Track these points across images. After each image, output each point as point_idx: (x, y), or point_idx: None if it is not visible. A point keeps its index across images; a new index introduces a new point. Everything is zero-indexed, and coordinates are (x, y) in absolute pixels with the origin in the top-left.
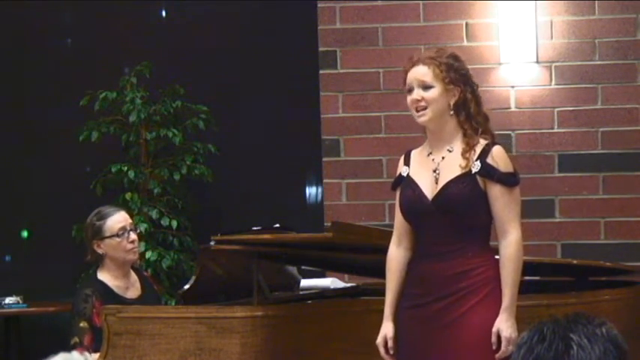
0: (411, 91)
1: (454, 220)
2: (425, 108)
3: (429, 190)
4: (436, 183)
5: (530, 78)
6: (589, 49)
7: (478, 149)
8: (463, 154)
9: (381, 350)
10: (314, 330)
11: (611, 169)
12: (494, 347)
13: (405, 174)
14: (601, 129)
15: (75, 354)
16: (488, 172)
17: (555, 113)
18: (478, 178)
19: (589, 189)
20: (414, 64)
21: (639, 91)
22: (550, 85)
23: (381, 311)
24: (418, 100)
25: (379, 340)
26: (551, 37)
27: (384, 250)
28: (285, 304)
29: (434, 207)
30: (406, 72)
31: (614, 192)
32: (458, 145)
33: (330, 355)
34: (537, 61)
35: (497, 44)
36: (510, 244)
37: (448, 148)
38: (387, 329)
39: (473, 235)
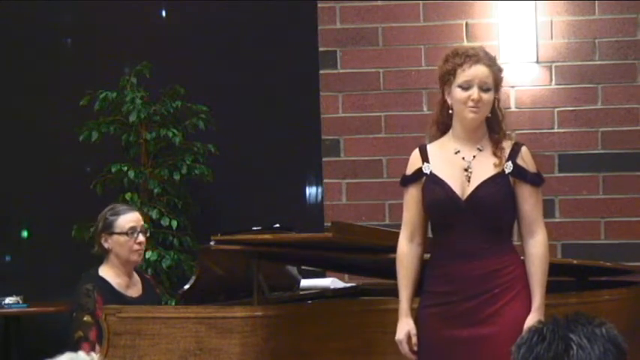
0: (467, 88)
1: (485, 220)
2: (479, 108)
3: (459, 189)
4: (468, 182)
5: (530, 78)
6: (589, 49)
7: (507, 149)
8: (494, 154)
9: (405, 347)
10: (314, 330)
11: (611, 169)
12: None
13: (427, 171)
14: (601, 129)
15: (81, 354)
16: (521, 173)
17: (555, 113)
18: (510, 178)
19: (589, 189)
20: (476, 62)
21: (639, 91)
22: (550, 85)
23: (382, 311)
24: (478, 100)
25: (402, 337)
26: (551, 37)
27: (383, 250)
28: (285, 304)
29: (467, 206)
30: (458, 66)
31: (614, 192)
32: (487, 145)
33: (330, 355)
34: (537, 61)
35: (497, 44)
36: (539, 244)
37: (478, 147)
38: (409, 325)
39: (500, 234)
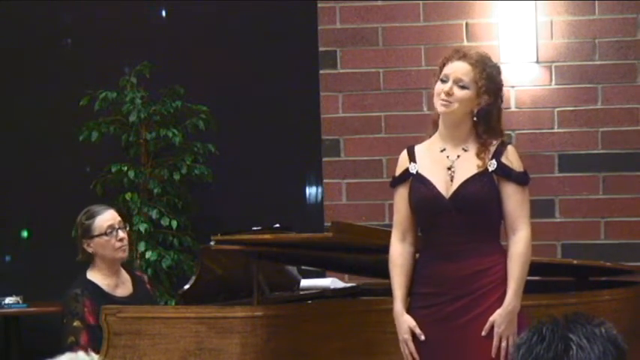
0: (445, 81)
1: (470, 219)
2: (450, 102)
3: (443, 188)
4: (451, 181)
5: (530, 78)
6: (589, 49)
7: (492, 148)
8: (478, 155)
9: (410, 345)
10: (314, 330)
11: (611, 169)
12: (483, 333)
13: (413, 171)
14: (601, 129)
15: (81, 354)
16: (505, 171)
17: (555, 113)
18: (494, 176)
19: (589, 189)
20: (459, 58)
21: (639, 91)
22: (550, 85)
23: (382, 311)
24: (449, 94)
25: (407, 335)
26: (551, 37)
27: (383, 250)
28: (285, 304)
29: (451, 205)
30: (446, 60)
31: (614, 192)
32: (472, 146)
33: (330, 355)
34: (537, 61)
35: (497, 44)
36: (520, 240)
37: (463, 147)
38: (409, 322)
39: (486, 234)
